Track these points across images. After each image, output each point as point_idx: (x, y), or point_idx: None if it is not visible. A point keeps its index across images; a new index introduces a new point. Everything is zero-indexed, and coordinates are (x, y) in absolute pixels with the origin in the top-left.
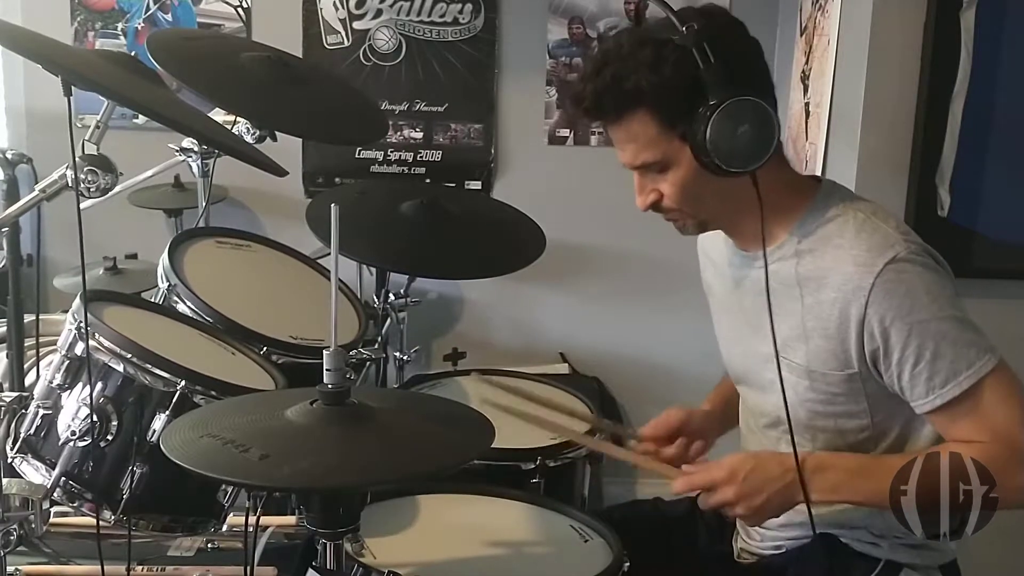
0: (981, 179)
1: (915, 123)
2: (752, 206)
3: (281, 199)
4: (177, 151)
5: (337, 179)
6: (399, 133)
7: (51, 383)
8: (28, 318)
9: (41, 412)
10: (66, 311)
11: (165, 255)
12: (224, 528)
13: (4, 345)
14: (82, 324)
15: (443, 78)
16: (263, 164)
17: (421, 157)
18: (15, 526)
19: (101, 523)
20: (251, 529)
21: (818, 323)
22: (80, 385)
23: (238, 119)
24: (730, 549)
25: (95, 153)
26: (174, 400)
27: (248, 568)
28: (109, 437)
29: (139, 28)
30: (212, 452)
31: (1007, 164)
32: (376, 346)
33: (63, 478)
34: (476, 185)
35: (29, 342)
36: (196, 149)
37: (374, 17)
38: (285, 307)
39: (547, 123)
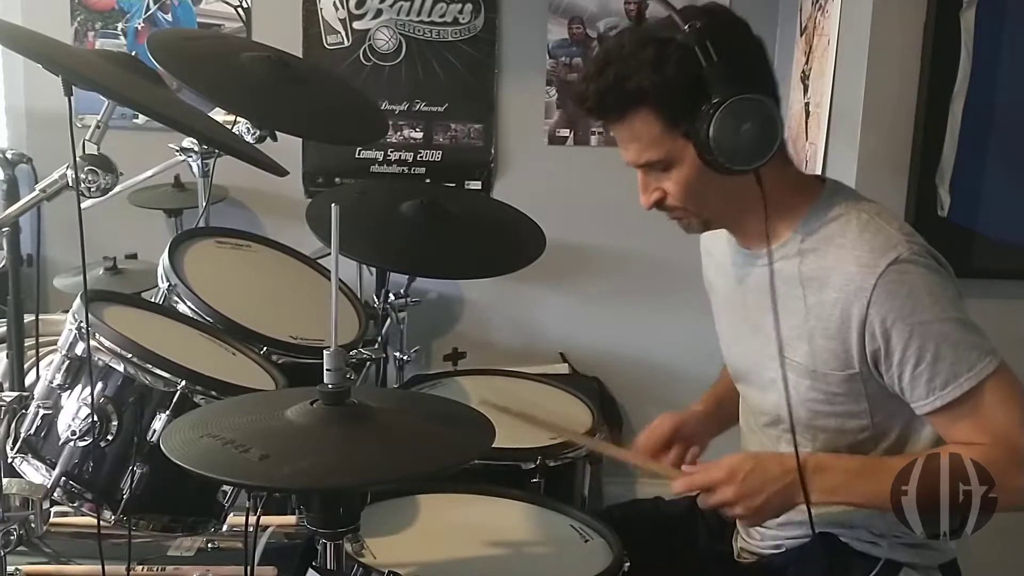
0: (981, 179)
1: (915, 123)
2: (755, 204)
3: (281, 199)
4: (177, 151)
5: (337, 179)
6: (399, 133)
7: (51, 383)
8: (28, 318)
9: (41, 412)
10: (66, 311)
11: (165, 255)
12: (224, 528)
13: (4, 345)
14: (82, 324)
15: (443, 78)
16: (263, 164)
17: (421, 157)
18: (15, 526)
19: (101, 523)
20: (251, 529)
21: (820, 323)
22: (80, 385)
23: (238, 119)
24: (730, 549)
25: (95, 153)
26: (174, 400)
27: (248, 568)
28: (109, 437)
29: (139, 28)
30: (212, 452)
31: (1007, 164)
32: (376, 346)
33: (63, 478)
34: (476, 185)
35: (29, 342)
36: (196, 149)
37: (374, 17)
38: (285, 307)
39: (547, 123)
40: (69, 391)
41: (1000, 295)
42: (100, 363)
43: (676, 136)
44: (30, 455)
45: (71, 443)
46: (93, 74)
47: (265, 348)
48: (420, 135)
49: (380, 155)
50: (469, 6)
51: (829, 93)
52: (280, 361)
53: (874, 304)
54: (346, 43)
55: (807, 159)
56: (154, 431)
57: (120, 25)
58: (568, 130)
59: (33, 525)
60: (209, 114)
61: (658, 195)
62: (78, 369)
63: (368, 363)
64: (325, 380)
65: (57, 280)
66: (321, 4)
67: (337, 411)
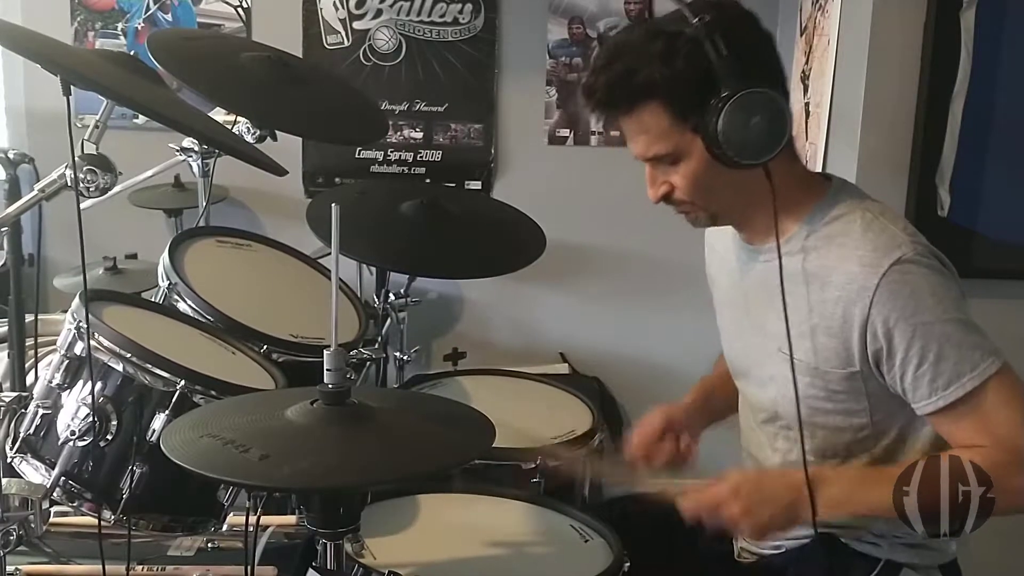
0: (981, 179)
1: (915, 123)
2: (762, 199)
3: (281, 199)
4: (177, 151)
5: (337, 179)
6: (399, 133)
7: (51, 383)
8: (28, 318)
9: (41, 412)
10: (66, 311)
11: (166, 254)
12: (224, 528)
13: (4, 345)
14: (82, 324)
15: (443, 78)
16: (263, 164)
17: (421, 157)
18: (15, 526)
19: (101, 523)
20: (251, 529)
21: (822, 320)
22: (80, 384)
23: (238, 119)
24: (730, 548)
25: (94, 153)
26: (174, 400)
27: (248, 568)
28: (109, 437)
29: (139, 28)
30: (212, 452)
31: (1007, 164)
32: (376, 346)
33: (63, 478)
34: (476, 185)
35: (29, 342)
36: (196, 149)
37: (374, 17)
38: (285, 306)
39: (547, 123)
40: (68, 391)
41: (1000, 295)
42: (99, 363)
43: (685, 129)
44: (29, 455)
45: (71, 443)
46: (92, 74)
47: (265, 347)
48: (420, 135)
49: (380, 155)
50: (469, 6)
51: (829, 93)
52: (280, 360)
53: (876, 304)
54: (346, 43)
55: (807, 159)
56: (154, 431)
57: (120, 25)
58: (568, 130)
59: (33, 525)
60: (209, 114)
61: (666, 189)
62: (77, 369)
63: (368, 363)
64: (325, 380)
65: (57, 280)
66: (321, 4)
67: (337, 411)
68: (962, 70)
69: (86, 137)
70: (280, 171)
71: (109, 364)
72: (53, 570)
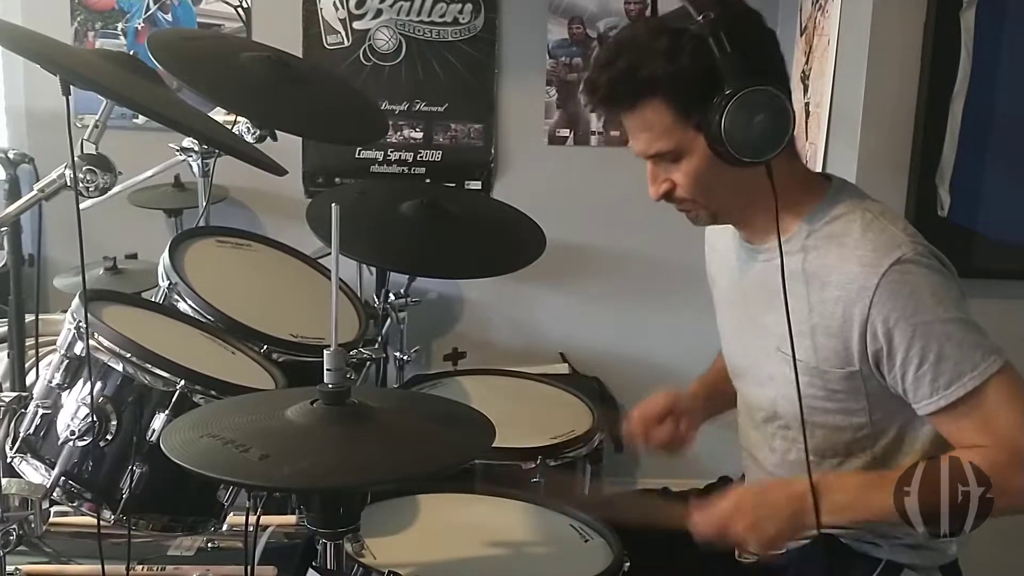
0: (981, 179)
1: (915, 123)
2: (763, 198)
3: (281, 199)
4: (177, 151)
5: (337, 179)
6: (399, 133)
7: (50, 383)
8: (28, 318)
9: (40, 412)
10: (66, 311)
11: (166, 254)
12: (224, 528)
13: (4, 345)
14: (81, 323)
15: (443, 78)
16: (263, 164)
17: (421, 157)
18: (15, 526)
19: (101, 523)
20: (251, 529)
21: (821, 320)
22: (79, 384)
23: (238, 119)
24: (730, 548)
25: (94, 152)
26: (174, 400)
27: (248, 568)
28: (109, 437)
29: (139, 28)
30: (212, 452)
31: (1007, 164)
32: (376, 346)
33: (63, 478)
34: (476, 185)
35: (29, 342)
36: (196, 149)
37: (374, 17)
38: (285, 306)
39: (547, 123)
40: (68, 391)
41: (1000, 295)
42: (99, 363)
43: (687, 127)
44: (29, 455)
45: (70, 443)
46: (91, 73)
47: (265, 346)
48: (420, 135)
49: (380, 155)
50: (469, 6)
51: (829, 93)
52: (280, 359)
53: (876, 304)
54: (346, 43)
55: (807, 159)
56: (153, 431)
57: (120, 25)
58: (568, 130)
59: (33, 525)
60: (209, 114)
61: (667, 186)
62: (77, 369)
63: (368, 363)
64: (325, 380)
65: (57, 280)
66: (321, 4)
67: (337, 411)
68: (962, 70)
69: (86, 137)
70: (280, 171)
71: (109, 364)
72: (53, 570)
